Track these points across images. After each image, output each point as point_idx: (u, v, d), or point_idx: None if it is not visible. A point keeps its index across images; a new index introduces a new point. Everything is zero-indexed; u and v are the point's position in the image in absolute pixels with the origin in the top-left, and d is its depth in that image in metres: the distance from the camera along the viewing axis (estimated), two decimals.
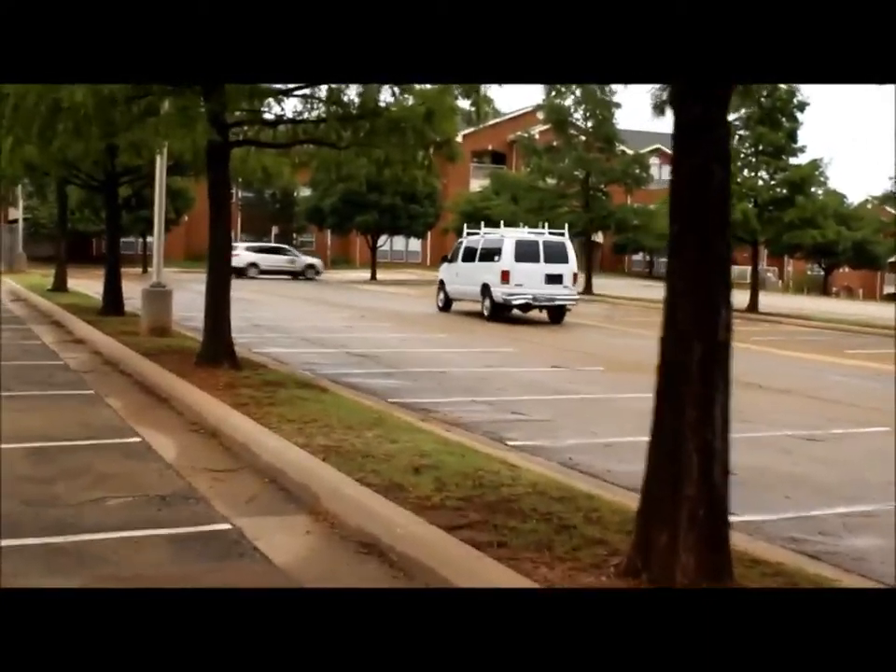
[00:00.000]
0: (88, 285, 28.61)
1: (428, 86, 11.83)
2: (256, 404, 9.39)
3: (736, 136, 32.48)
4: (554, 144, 43.47)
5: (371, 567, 5.39)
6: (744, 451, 7.13)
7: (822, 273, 68.83)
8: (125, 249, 60.46)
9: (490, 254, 26.84)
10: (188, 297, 20.31)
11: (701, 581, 4.56)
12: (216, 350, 12.25)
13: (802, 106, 33.12)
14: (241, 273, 49.47)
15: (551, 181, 44.19)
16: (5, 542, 5.53)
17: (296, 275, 50.51)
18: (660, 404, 4.93)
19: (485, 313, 26.30)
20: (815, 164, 34.03)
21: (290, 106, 13.40)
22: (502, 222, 31.64)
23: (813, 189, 34.83)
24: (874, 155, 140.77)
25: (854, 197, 72.60)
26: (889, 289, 73.11)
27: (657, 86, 7.21)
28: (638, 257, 74.43)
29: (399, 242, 61.82)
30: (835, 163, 37.29)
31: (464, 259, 28.41)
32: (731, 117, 32.67)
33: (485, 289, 26.31)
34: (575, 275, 27.10)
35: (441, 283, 29.77)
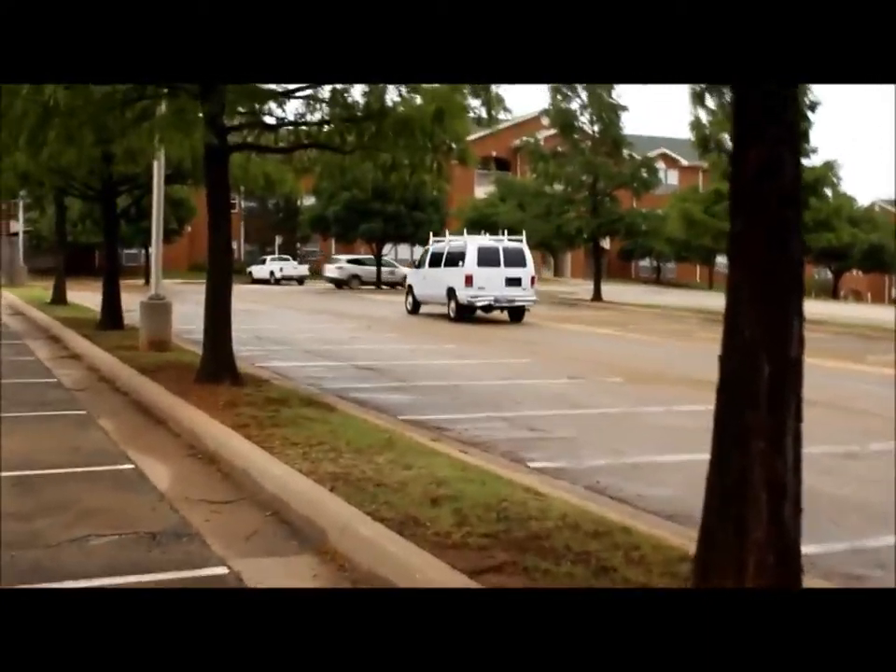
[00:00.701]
0: (88, 297, 27.92)
1: (437, 84, 11.16)
2: (258, 425, 8.75)
3: None
4: (560, 149, 42.77)
5: None
6: None
7: (831, 276, 68.04)
8: (128, 261, 60.25)
9: (454, 259, 29.19)
10: (190, 309, 19.68)
11: None
12: (216, 366, 11.60)
13: (813, 106, 32.43)
14: (342, 284, 50.73)
15: (557, 187, 43.49)
16: None
17: (394, 286, 51.55)
18: (720, 432, 4.26)
19: (451, 314, 28.57)
20: (829, 165, 33.41)
21: (292, 109, 12.76)
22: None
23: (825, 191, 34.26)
24: (874, 156, 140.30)
25: (859, 199, 71.83)
26: None
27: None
28: (645, 262, 73.83)
29: (403, 250, 61.25)
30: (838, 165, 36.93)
31: (430, 265, 30.69)
32: None
33: (451, 292, 28.69)
34: (533, 278, 29.13)
35: (410, 287, 32.35)
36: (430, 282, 30.48)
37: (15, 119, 10.37)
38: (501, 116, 12.26)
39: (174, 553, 5.65)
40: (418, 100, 11.53)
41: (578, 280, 62.66)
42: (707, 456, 4.42)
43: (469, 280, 28.19)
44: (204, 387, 10.97)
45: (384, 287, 51.92)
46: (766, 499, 4.02)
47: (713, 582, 4.14)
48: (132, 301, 19.97)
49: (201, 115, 10.81)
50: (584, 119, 42.01)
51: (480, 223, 55.08)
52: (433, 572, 4.93)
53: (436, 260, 30.58)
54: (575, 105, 41.73)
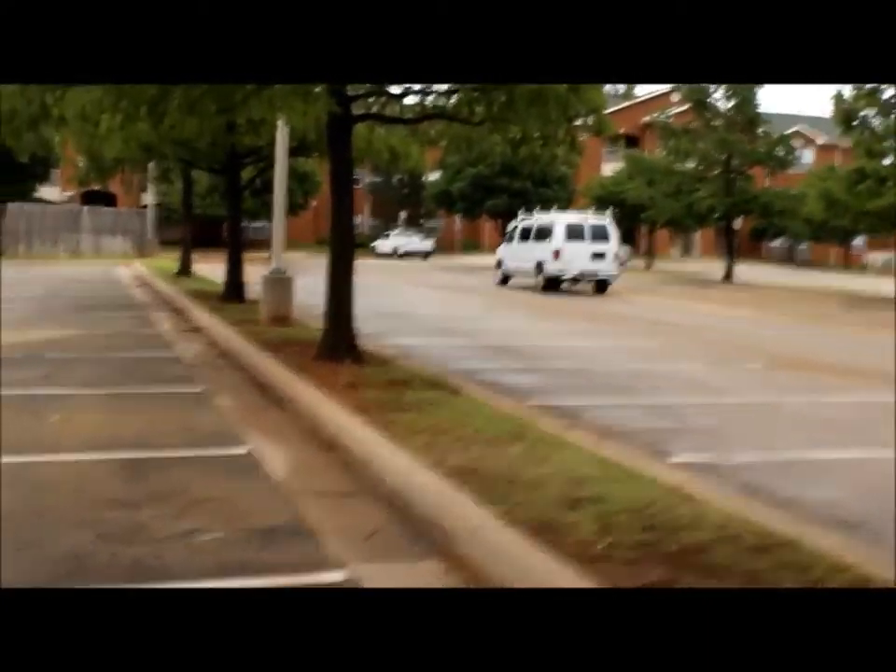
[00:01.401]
0: (214, 269, 27.93)
1: None
2: (379, 409, 8.21)
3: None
4: (692, 126, 41.45)
5: None
6: None
7: None
8: (255, 234, 60.82)
9: (543, 234, 31.09)
10: (313, 283, 19.24)
11: None
12: (337, 343, 11.13)
13: None
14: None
15: (688, 164, 42.18)
16: None
17: None
18: None
19: (539, 286, 30.58)
20: None
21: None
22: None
23: None
24: None
25: None
26: None
27: None
28: (776, 242, 71.67)
29: None
30: None
31: (520, 240, 32.68)
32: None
33: (539, 266, 30.67)
34: (616, 253, 31.09)
35: (499, 261, 34.38)
36: (519, 256, 32.28)
37: (136, 88, 9.99)
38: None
39: (287, 554, 5.12)
40: None
41: (707, 259, 61.05)
42: (870, 454, 3.76)
43: (557, 254, 30.07)
44: (325, 365, 10.52)
45: None
46: None
47: None
48: (257, 274, 19.74)
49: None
50: (718, 96, 40.62)
51: (607, 200, 54.09)
52: None
53: (525, 235, 32.35)
54: None
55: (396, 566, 5.04)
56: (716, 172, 41.30)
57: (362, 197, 64.18)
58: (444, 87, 11.88)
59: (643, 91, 67.02)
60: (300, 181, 53.82)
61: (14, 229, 45.18)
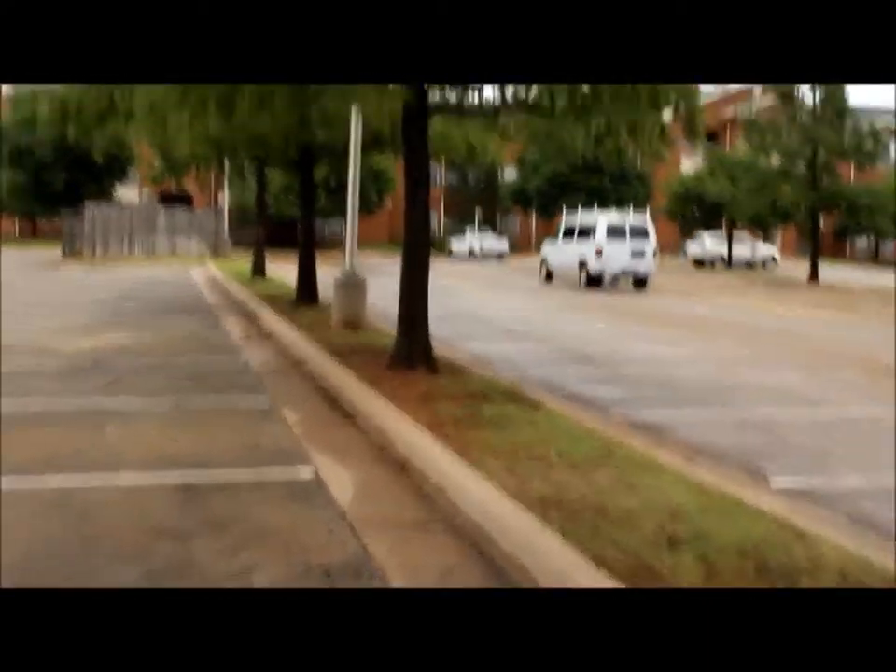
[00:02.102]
0: (288, 270, 27.61)
1: None
2: (455, 425, 7.66)
3: None
4: (777, 120, 40.22)
5: None
6: None
7: None
8: (330, 233, 60.74)
9: (585, 233, 32.43)
10: (387, 284, 18.77)
11: None
12: (410, 351, 10.59)
13: None
14: (703, 263, 51.87)
15: (773, 160, 40.93)
16: None
17: (751, 265, 53.09)
18: None
19: (582, 284, 31.99)
20: None
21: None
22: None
23: None
24: None
25: None
26: None
27: None
28: (862, 241, 69.85)
29: None
30: None
31: (563, 239, 34.14)
32: None
33: (582, 263, 32.16)
34: (654, 251, 32.32)
35: (543, 260, 35.98)
36: (563, 254, 33.91)
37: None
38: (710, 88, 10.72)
39: None
40: None
41: (787, 259, 59.63)
42: None
43: (599, 252, 31.50)
44: (397, 375, 10.00)
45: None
46: None
47: None
48: (331, 275, 19.32)
49: None
50: (804, 88, 39.35)
51: (687, 198, 53.04)
52: None
53: (568, 234, 33.84)
54: None
55: None
56: (801, 167, 39.99)
57: (437, 196, 63.80)
58: None
59: (722, 86, 65.59)
60: (374, 179, 53.58)
61: (91, 230, 45.44)
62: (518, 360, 13.03)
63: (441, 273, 24.53)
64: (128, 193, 65.13)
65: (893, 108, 42.99)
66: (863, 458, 8.02)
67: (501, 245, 61.32)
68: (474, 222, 66.54)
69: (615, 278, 32.16)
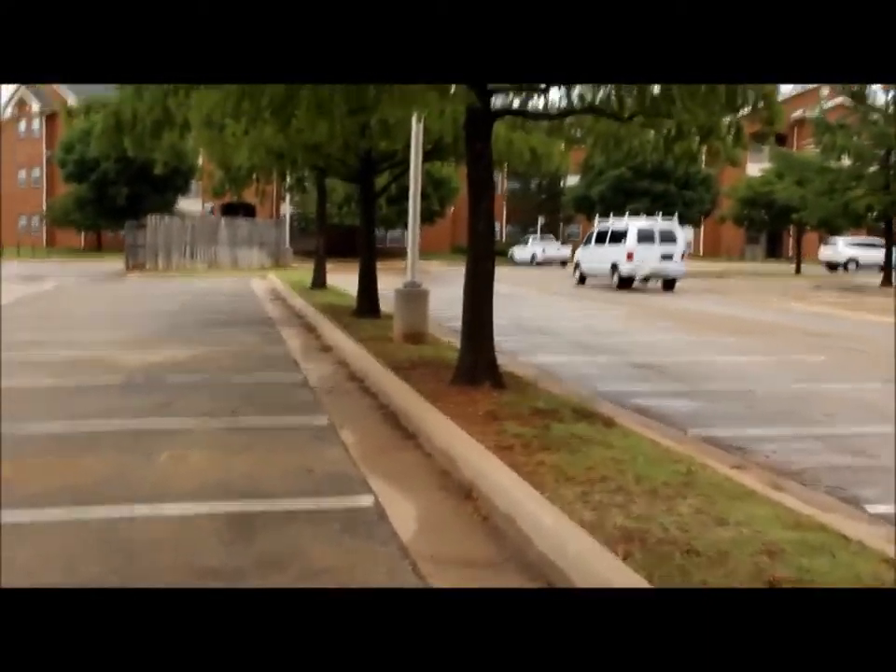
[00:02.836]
0: (350, 281, 27.31)
1: None
2: (524, 447, 7.17)
3: None
4: (848, 121, 39.12)
5: None
6: None
7: None
8: (392, 242, 60.52)
9: (617, 238, 34.36)
10: (450, 294, 18.32)
11: None
12: (475, 365, 10.11)
13: None
14: (837, 267, 51.61)
15: (844, 162, 39.82)
16: None
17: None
18: None
19: (614, 285, 34.02)
20: None
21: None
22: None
23: None
24: None
25: None
26: None
27: None
28: None
29: None
30: None
31: (596, 243, 36.10)
32: None
33: (614, 266, 34.22)
34: (683, 254, 34.20)
35: (577, 263, 38.03)
36: (596, 257, 35.85)
37: (258, 88, 9.14)
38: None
39: None
40: None
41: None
42: None
43: (630, 256, 33.45)
44: (461, 391, 9.53)
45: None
46: None
47: None
48: (393, 285, 18.95)
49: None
50: (876, 88, 38.26)
51: (754, 202, 52.00)
52: None
53: (601, 239, 35.77)
54: None
55: None
56: (873, 168, 38.84)
57: (498, 203, 63.34)
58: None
59: (789, 87, 64.39)
60: (436, 187, 53.25)
61: (153, 242, 45.60)
62: (585, 374, 12.54)
63: (505, 281, 24.05)
64: (191, 205, 65.49)
65: None
66: None
67: (563, 251, 60.83)
68: (536, 229, 65.95)
69: (645, 279, 34.15)
